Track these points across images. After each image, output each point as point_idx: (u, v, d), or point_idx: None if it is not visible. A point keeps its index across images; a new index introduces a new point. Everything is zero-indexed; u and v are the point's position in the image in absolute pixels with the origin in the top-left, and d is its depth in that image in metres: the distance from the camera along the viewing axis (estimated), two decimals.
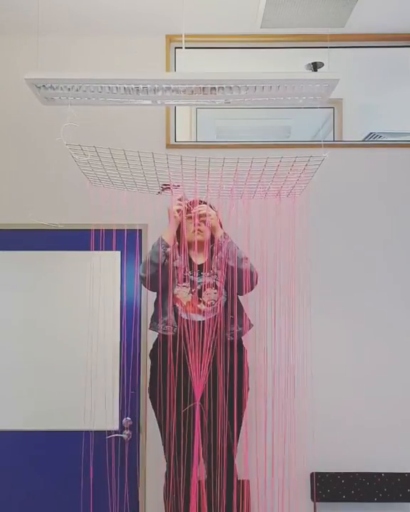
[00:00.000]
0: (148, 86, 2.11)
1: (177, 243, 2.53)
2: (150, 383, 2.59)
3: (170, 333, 2.47)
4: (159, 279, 2.44)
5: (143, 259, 2.62)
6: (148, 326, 2.68)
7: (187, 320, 2.42)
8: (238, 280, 2.42)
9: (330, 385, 3.05)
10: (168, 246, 2.49)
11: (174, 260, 2.48)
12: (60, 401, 3.07)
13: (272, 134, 4.00)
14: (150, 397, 2.59)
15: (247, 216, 2.33)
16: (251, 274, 2.50)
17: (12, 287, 3.17)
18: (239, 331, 2.52)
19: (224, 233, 2.51)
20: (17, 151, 3.24)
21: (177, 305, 2.49)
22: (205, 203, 2.50)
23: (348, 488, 2.97)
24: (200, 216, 2.50)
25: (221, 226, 2.59)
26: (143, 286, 2.63)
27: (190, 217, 2.55)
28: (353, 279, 3.16)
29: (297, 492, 2.60)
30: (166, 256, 2.48)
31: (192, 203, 2.54)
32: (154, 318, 2.59)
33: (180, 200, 2.48)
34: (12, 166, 3.24)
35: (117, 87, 2.12)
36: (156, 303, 2.59)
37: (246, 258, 2.51)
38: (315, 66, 3.31)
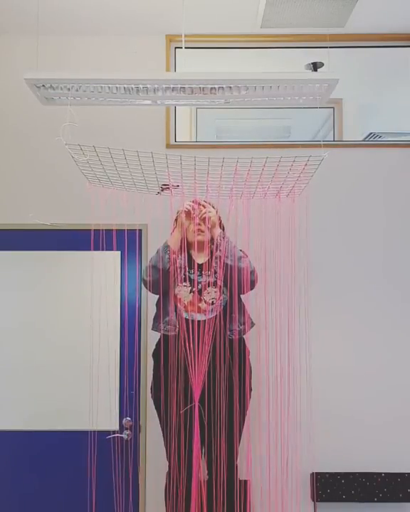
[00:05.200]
0: (148, 86, 2.11)
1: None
2: (152, 383, 2.59)
3: (172, 333, 2.47)
4: (160, 283, 2.44)
5: (146, 262, 2.61)
6: (149, 327, 2.68)
7: (188, 319, 2.42)
8: (237, 278, 2.42)
9: (331, 385, 3.05)
10: (174, 252, 2.49)
11: (175, 263, 2.49)
12: (61, 401, 3.07)
13: (272, 134, 4.00)
14: (152, 397, 2.59)
15: (247, 216, 2.33)
16: (251, 272, 2.50)
17: (12, 287, 3.17)
18: (240, 330, 2.52)
19: (221, 232, 2.51)
20: (17, 151, 3.24)
21: (178, 305, 2.49)
22: (205, 202, 2.50)
23: (348, 488, 2.97)
24: (202, 218, 2.50)
25: (221, 225, 2.59)
26: (144, 288, 2.63)
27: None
28: (352, 278, 3.15)
29: (297, 492, 2.60)
30: (170, 262, 2.48)
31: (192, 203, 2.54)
32: (156, 318, 2.59)
33: (193, 202, 2.48)
34: (12, 166, 3.24)
35: (117, 87, 2.12)
36: (157, 303, 2.59)
37: (245, 256, 2.51)
38: (315, 66, 3.31)
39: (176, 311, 2.49)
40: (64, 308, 3.14)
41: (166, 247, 2.51)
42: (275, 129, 4.05)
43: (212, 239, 2.55)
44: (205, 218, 2.48)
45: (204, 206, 2.50)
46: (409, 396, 3.10)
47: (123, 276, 3.02)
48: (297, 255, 2.54)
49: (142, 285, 2.61)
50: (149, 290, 2.56)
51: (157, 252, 2.54)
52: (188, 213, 2.50)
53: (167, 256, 2.49)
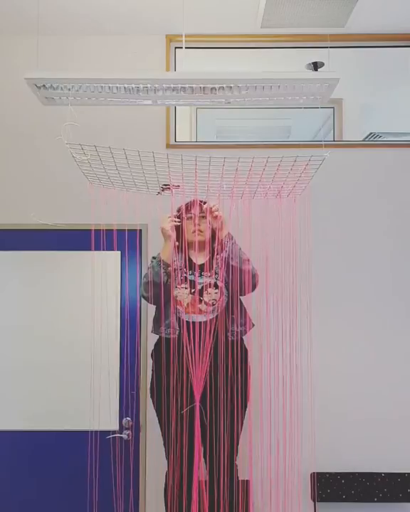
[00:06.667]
0: (148, 86, 2.11)
1: (177, 243, 2.52)
2: (152, 384, 2.59)
3: (172, 336, 2.46)
4: (161, 295, 2.43)
5: (143, 279, 2.56)
6: (149, 326, 2.67)
7: (188, 321, 2.41)
8: (239, 281, 2.42)
9: (331, 385, 3.05)
10: (168, 265, 2.48)
11: (173, 264, 2.48)
12: (61, 401, 3.06)
13: (272, 134, 3.99)
14: (152, 397, 2.59)
15: (248, 217, 2.33)
16: (252, 275, 2.50)
17: (12, 287, 3.17)
18: (240, 331, 2.51)
19: (229, 233, 2.51)
20: (17, 151, 3.24)
21: (178, 307, 2.49)
22: (205, 202, 2.49)
23: (348, 488, 2.97)
24: (215, 217, 2.48)
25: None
26: (145, 301, 2.61)
27: (190, 218, 2.55)
28: (353, 278, 3.15)
29: (297, 492, 2.60)
30: (168, 275, 2.47)
31: (191, 204, 2.54)
32: (156, 321, 2.58)
33: (170, 216, 2.47)
34: (12, 166, 3.24)
35: (117, 87, 2.12)
36: (157, 306, 2.58)
37: (248, 260, 2.50)
38: (316, 66, 3.30)
39: (176, 313, 2.49)
40: (64, 308, 3.14)
41: (159, 261, 2.49)
42: (275, 129, 4.05)
43: (213, 237, 2.53)
44: (216, 217, 2.46)
45: (211, 209, 2.47)
46: (409, 397, 3.10)
47: (123, 277, 3.02)
48: (297, 255, 2.53)
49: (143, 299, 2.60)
50: (151, 303, 2.55)
51: (151, 267, 2.51)
52: (176, 227, 2.49)
53: (163, 270, 2.47)
